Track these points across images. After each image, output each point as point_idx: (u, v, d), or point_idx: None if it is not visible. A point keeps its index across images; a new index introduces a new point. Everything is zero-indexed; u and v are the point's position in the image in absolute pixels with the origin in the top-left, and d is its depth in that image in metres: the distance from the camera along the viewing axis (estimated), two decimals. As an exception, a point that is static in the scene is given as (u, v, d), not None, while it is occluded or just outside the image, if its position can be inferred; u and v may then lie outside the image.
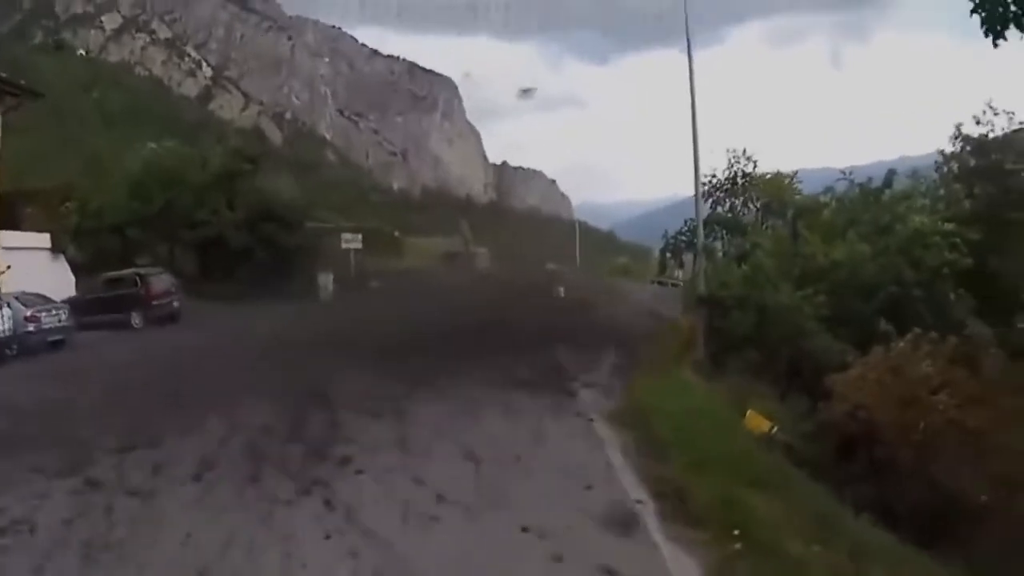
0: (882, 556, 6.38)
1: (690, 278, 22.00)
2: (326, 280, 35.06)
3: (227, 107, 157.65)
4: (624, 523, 6.01)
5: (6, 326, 17.02)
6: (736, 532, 5.47)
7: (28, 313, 17.91)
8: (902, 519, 9.28)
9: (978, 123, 22.77)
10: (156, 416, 10.17)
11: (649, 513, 6.24)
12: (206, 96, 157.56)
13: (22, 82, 25.21)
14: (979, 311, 18.87)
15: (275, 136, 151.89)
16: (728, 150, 30.42)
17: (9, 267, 19.82)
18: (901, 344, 11.69)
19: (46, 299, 19.84)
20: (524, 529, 5.87)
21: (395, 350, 16.26)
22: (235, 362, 15.85)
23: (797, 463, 10.03)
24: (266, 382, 12.80)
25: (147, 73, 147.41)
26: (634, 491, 6.81)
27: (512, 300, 34.74)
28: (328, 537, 5.83)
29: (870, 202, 24.13)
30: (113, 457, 8.12)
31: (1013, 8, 8.75)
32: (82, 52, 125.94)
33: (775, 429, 11.56)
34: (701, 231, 21.32)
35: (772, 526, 5.81)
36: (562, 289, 40.05)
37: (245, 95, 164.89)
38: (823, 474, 10.01)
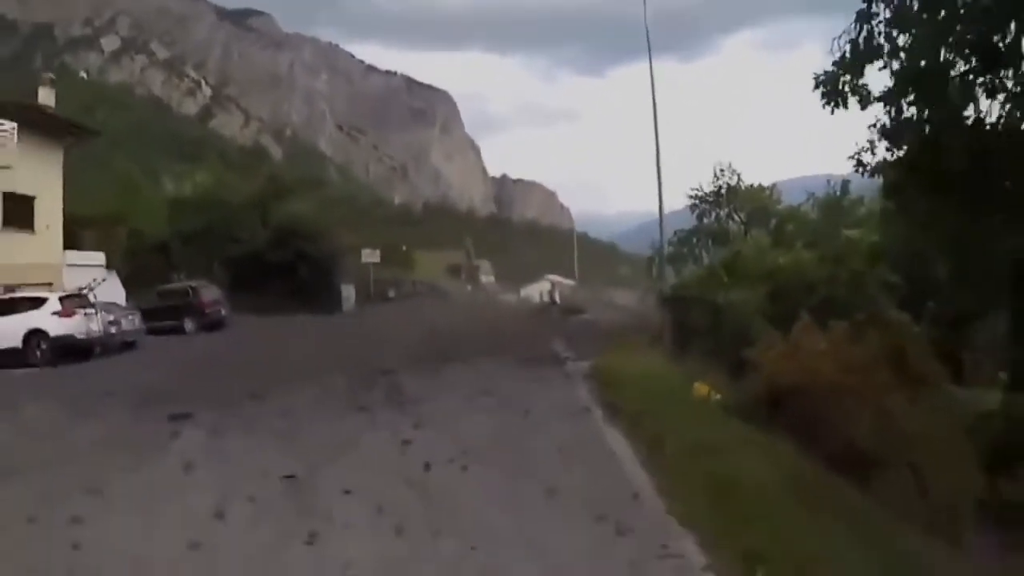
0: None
1: (662, 283, 25.88)
2: (348, 292, 39.16)
3: (227, 125, 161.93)
4: (579, 414, 10.38)
5: (100, 328, 20.49)
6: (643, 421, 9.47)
7: (111, 318, 21.22)
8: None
9: None
10: (258, 384, 13.77)
11: (596, 413, 10.54)
12: (206, 115, 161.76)
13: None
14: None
15: (276, 153, 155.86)
16: (714, 164, 33.17)
17: (105, 279, 23.62)
18: (799, 326, 15.42)
19: (122, 307, 23.63)
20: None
21: (424, 345, 20.48)
22: (297, 353, 19.88)
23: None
24: (336, 364, 16.74)
25: (147, 93, 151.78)
26: (588, 403, 11.20)
27: (514, 305, 39.11)
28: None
29: (826, 213, 27.81)
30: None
31: (846, 89, 12.77)
32: (83, 74, 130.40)
33: (716, 395, 15.42)
34: (664, 239, 25.12)
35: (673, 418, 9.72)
36: (558, 295, 45.15)
37: (245, 113, 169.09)
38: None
